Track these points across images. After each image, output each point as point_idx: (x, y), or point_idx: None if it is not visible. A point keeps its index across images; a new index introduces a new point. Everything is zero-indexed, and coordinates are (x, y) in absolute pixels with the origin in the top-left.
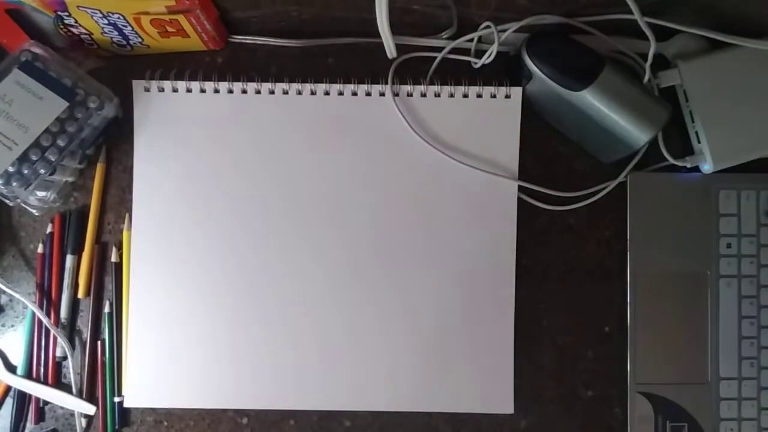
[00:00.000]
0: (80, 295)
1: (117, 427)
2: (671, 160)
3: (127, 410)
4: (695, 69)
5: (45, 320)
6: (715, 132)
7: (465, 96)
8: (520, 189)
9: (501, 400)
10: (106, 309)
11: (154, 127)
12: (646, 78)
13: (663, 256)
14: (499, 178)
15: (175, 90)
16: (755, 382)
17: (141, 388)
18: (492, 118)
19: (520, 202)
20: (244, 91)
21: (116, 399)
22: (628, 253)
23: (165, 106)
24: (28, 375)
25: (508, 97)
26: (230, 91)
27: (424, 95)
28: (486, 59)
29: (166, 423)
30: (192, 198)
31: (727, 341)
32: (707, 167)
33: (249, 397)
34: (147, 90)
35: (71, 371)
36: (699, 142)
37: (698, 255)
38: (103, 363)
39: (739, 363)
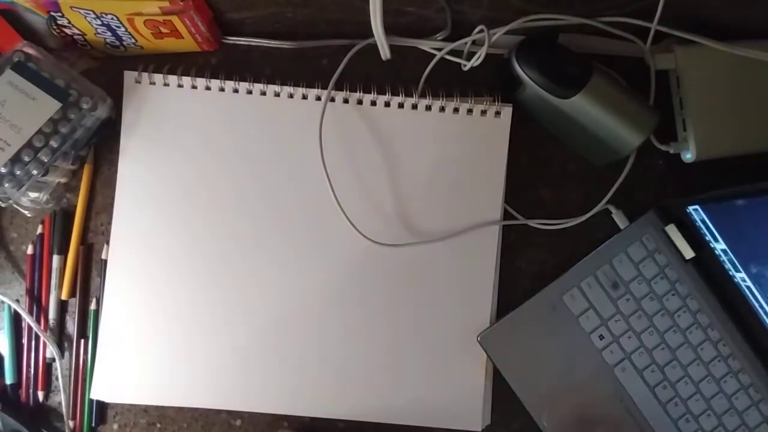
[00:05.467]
0: (63, 296)
1: (94, 425)
2: (656, 145)
3: (119, 411)
4: (691, 56)
5: (33, 325)
6: (702, 122)
7: (456, 111)
8: (507, 201)
9: (469, 417)
10: (93, 306)
11: (142, 119)
12: (646, 58)
13: (554, 385)
14: (486, 196)
15: (166, 84)
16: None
17: (110, 382)
18: (480, 138)
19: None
20: (236, 91)
21: (92, 396)
22: (523, 403)
23: (155, 100)
24: (17, 380)
25: (498, 114)
26: (221, 90)
27: (415, 107)
28: (474, 62)
29: (159, 425)
30: (175, 194)
31: (654, 416)
32: (689, 156)
33: (218, 397)
34: (138, 82)
35: (60, 373)
36: (685, 130)
37: (582, 363)
38: (85, 361)
39: (677, 425)
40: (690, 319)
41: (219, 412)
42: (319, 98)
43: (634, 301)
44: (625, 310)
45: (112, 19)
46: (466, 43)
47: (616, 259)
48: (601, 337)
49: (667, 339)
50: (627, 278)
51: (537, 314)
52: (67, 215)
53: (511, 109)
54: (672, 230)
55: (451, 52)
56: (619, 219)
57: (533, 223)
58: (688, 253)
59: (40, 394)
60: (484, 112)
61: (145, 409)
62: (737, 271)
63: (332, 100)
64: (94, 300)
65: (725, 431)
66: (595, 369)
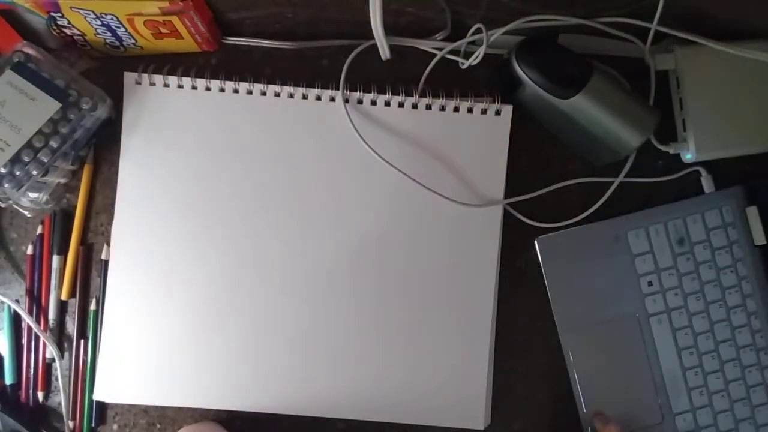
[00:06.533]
0: (63, 296)
1: (93, 425)
2: (656, 145)
3: (119, 412)
4: (691, 56)
5: (33, 325)
6: (701, 122)
7: (456, 110)
8: (510, 194)
9: (471, 416)
10: (92, 307)
11: (142, 120)
12: (646, 59)
13: (589, 310)
14: (486, 196)
15: (166, 85)
16: (709, 409)
17: (112, 383)
18: (481, 137)
19: (511, 205)
20: (236, 91)
21: (95, 397)
22: (554, 315)
23: (155, 101)
24: (17, 380)
25: (498, 113)
26: (221, 90)
27: (415, 106)
28: (473, 60)
29: (159, 425)
30: (175, 194)
31: (671, 377)
32: (689, 156)
33: (219, 397)
34: (138, 83)
35: (59, 374)
36: (684, 130)
37: (623, 301)
38: (85, 362)
39: (689, 394)
40: (738, 300)
41: (219, 412)
42: (319, 98)
43: (694, 263)
44: (681, 268)
45: (111, 19)
46: (465, 44)
47: (690, 218)
48: (650, 284)
49: (710, 310)
50: (695, 239)
51: (599, 239)
52: (67, 215)
53: (511, 108)
54: (752, 212)
55: (451, 53)
56: (707, 183)
57: (533, 222)
58: (760, 239)
59: (40, 395)
60: (484, 111)
61: (145, 410)
62: None
63: (332, 99)
64: (93, 300)
65: (733, 417)
66: (632, 311)
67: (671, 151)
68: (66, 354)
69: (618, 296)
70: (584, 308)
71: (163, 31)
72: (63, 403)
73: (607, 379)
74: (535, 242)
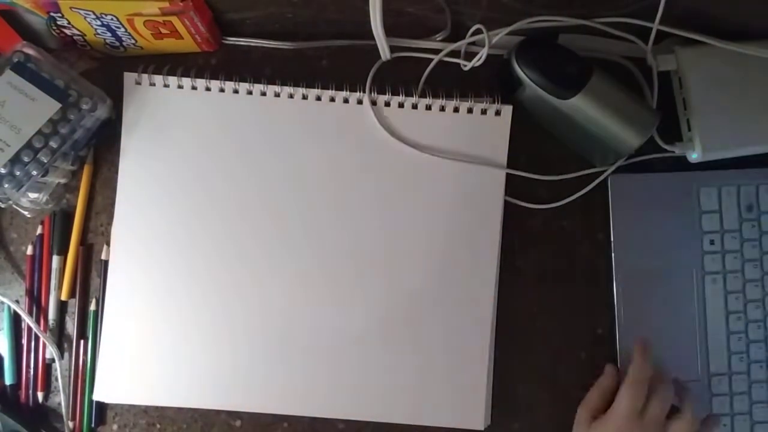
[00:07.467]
0: (63, 296)
1: (93, 426)
2: (661, 145)
3: (119, 412)
4: (692, 57)
5: (33, 326)
6: (705, 122)
7: (456, 110)
8: (510, 193)
9: (471, 416)
10: (92, 307)
11: (142, 120)
12: (648, 60)
13: (648, 256)
14: (486, 173)
15: (166, 85)
16: (745, 376)
17: (112, 383)
18: (481, 137)
19: (511, 205)
20: (236, 91)
21: (95, 397)
22: (613, 254)
23: (155, 101)
24: (17, 380)
25: (498, 113)
26: (221, 90)
27: (415, 107)
28: (476, 62)
29: (159, 426)
30: (175, 195)
31: (715, 337)
32: (695, 156)
33: (219, 397)
34: (138, 83)
35: (59, 374)
36: (689, 130)
37: (682, 253)
38: (85, 362)
39: (729, 358)
40: None
41: (219, 412)
42: (319, 98)
43: (758, 231)
44: (745, 234)
45: (111, 19)
46: (465, 44)
47: (763, 186)
48: (712, 242)
49: (765, 281)
50: (763, 208)
51: (671, 189)
52: (67, 216)
53: (511, 108)
54: None
55: (451, 53)
56: None
57: (531, 205)
58: None
59: (40, 395)
60: (484, 112)
61: (145, 410)
62: None
63: (332, 100)
64: (93, 300)
65: (767, 391)
66: (690, 265)
67: (677, 152)
68: (66, 354)
69: (679, 248)
70: (644, 252)
71: (163, 31)
72: (63, 404)
73: (652, 327)
74: (608, 180)
